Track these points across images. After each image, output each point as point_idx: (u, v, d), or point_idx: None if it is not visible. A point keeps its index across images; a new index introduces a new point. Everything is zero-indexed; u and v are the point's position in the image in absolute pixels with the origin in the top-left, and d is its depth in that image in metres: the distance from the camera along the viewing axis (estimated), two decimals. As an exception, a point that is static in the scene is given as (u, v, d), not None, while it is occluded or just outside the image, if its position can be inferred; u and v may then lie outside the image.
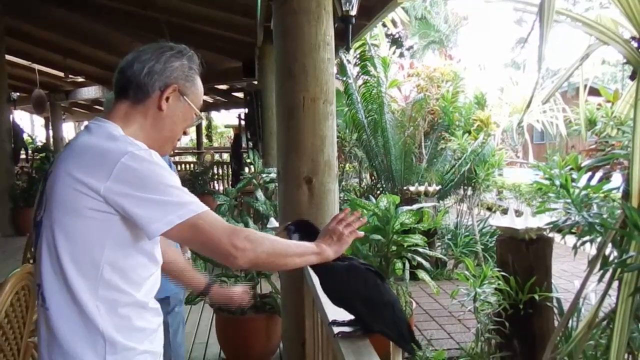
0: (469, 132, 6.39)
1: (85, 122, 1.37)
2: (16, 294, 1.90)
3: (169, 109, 1.31)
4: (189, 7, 6.54)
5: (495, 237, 4.72)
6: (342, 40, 4.37)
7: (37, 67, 11.48)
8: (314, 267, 1.56)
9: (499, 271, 3.20)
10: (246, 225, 4.04)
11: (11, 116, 8.45)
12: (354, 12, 2.86)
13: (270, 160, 5.96)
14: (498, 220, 3.65)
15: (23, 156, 9.32)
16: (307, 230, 1.56)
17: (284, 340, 2.69)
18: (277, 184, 2.69)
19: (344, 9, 2.84)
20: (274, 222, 3.69)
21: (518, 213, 3.97)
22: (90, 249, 1.17)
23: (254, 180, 4.74)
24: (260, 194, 4.59)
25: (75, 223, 1.16)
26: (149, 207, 1.14)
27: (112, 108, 1.32)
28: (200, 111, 1.41)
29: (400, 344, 1.49)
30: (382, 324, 1.46)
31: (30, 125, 20.68)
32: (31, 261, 1.47)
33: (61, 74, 11.94)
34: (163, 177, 1.17)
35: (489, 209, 8.30)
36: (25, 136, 10.13)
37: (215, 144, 22.12)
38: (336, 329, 1.53)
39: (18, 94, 11.39)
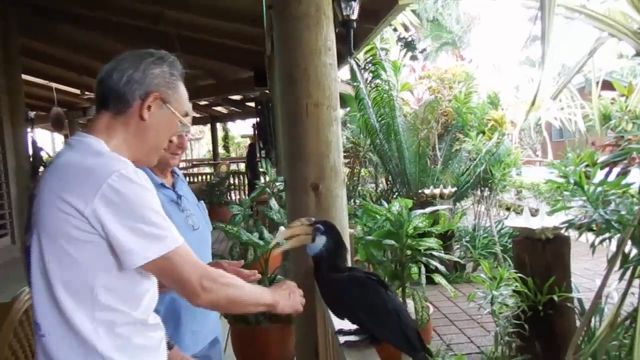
0: (483, 133, 6.31)
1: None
2: (25, 312, 1.91)
3: (152, 118, 1.27)
4: (199, 19, 6.60)
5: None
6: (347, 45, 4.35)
7: (54, 85, 11.71)
8: (317, 280, 1.54)
9: (515, 272, 3.13)
10: (261, 234, 4.04)
11: (30, 135, 8.59)
12: (354, 17, 2.84)
13: (283, 169, 5.95)
14: (513, 221, 3.58)
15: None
16: (334, 235, 1.53)
17: (297, 349, 2.65)
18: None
19: (344, 13, 2.82)
20: (282, 231, 3.67)
21: (535, 212, 3.89)
22: (82, 273, 1.14)
23: (267, 189, 4.73)
24: (274, 203, 4.57)
25: (64, 247, 1.13)
26: (129, 236, 1.12)
27: (93, 120, 1.29)
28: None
29: (410, 352, 1.45)
30: (387, 333, 1.42)
31: (52, 143, 21.07)
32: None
33: (77, 91, 12.16)
34: (147, 202, 1.15)
35: (508, 209, 8.17)
36: (44, 154, 10.31)
37: (233, 154, 22.27)
38: (342, 338, 1.50)
39: (35, 112, 11.60)
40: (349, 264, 2.62)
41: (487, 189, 6.20)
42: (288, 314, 1.43)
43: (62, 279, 1.14)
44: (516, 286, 3.04)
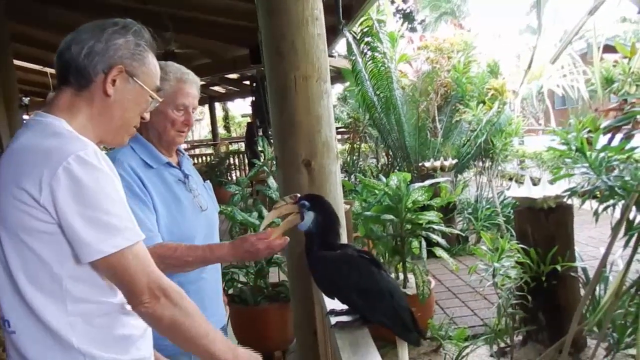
0: (484, 102, 6.20)
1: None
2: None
3: (117, 93, 1.16)
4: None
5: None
6: (344, 16, 4.23)
7: (49, 70, 11.57)
8: (307, 258, 1.48)
9: (517, 243, 3.07)
10: (260, 214, 3.97)
11: (25, 121, 8.51)
12: (342, -16, 2.73)
13: (274, 146, 5.86)
14: (515, 191, 3.51)
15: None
16: (323, 209, 1.46)
17: (296, 329, 2.62)
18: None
19: (331, -19, 2.71)
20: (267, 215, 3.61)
21: (538, 181, 3.81)
22: (47, 266, 1.05)
23: (265, 168, 4.65)
24: (272, 181, 4.49)
25: (24, 240, 1.04)
26: (84, 226, 1.02)
27: (53, 97, 1.18)
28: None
29: (402, 333, 1.39)
30: (380, 314, 1.36)
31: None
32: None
33: (73, 76, 12.01)
34: (107, 189, 1.05)
35: (511, 179, 8.09)
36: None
37: (234, 134, 22.15)
38: (334, 319, 1.44)
39: (30, 98, 11.49)
40: (348, 240, 2.57)
41: (488, 159, 6.11)
42: None
43: (26, 274, 1.06)
44: (518, 257, 2.98)
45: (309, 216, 1.46)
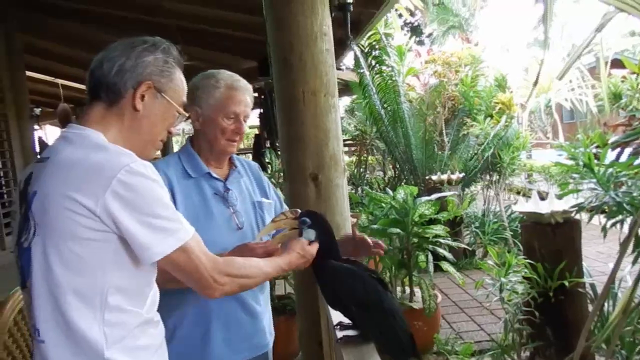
0: (491, 116, 6.20)
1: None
2: (20, 312, 1.87)
3: (146, 108, 1.21)
4: (198, 9, 6.51)
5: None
6: (352, 30, 4.26)
7: (60, 81, 11.71)
8: (313, 266, 1.48)
9: (524, 258, 3.05)
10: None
11: (37, 132, 8.61)
12: (350, 0, 2.75)
13: (281, 159, 5.89)
14: (522, 206, 3.49)
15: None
16: (322, 227, 1.48)
17: (301, 341, 2.61)
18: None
19: (340, -3, 2.74)
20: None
21: (545, 196, 3.80)
22: (92, 275, 1.09)
23: (272, 180, 4.67)
24: (279, 194, 4.51)
25: (73, 248, 1.07)
26: (144, 232, 1.08)
27: (86, 111, 1.22)
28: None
29: (400, 357, 1.38)
30: (378, 332, 1.35)
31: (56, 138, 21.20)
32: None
33: (83, 87, 12.14)
34: (157, 195, 1.11)
35: (519, 193, 8.06)
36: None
37: (241, 145, 22.26)
38: (340, 333, 1.44)
39: (41, 109, 11.62)
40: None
41: (496, 173, 6.10)
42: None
43: (70, 283, 1.09)
44: (525, 272, 2.96)
45: (308, 233, 1.46)
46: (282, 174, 4.65)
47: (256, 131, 15.69)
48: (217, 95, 1.63)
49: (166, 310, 1.29)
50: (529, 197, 6.38)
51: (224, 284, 1.19)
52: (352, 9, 2.85)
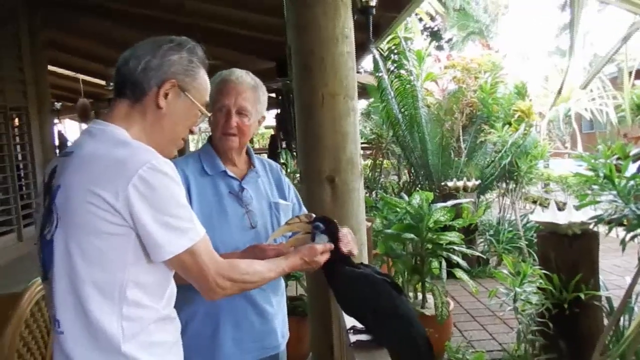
0: (510, 124, 6.15)
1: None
2: (37, 304, 1.90)
3: (169, 106, 1.22)
4: (220, 10, 6.56)
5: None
6: (374, 34, 4.25)
7: (80, 76, 11.86)
8: (325, 272, 1.48)
9: (540, 269, 3.02)
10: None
11: (57, 125, 8.73)
12: (373, 3, 2.74)
13: (298, 160, 5.90)
14: (539, 215, 3.46)
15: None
16: (335, 233, 1.48)
17: (312, 344, 2.61)
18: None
19: (363, 0, 2.73)
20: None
21: (563, 206, 3.75)
22: (112, 269, 1.11)
23: (287, 181, 4.69)
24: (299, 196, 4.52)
25: (94, 242, 1.09)
26: (158, 230, 1.10)
27: (111, 108, 1.25)
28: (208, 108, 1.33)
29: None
30: (394, 339, 1.34)
31: (79, 133, 21.42)
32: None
33: (103, 83, 12.31)
34: (175, 195, 1.13)
35: (535, 202, 7.97)
36: (69, 144, 10.46)
37: (257, 145, 22.30)
38: (353, 337, 1.43)
39: (61, 103, 11.78)
40: (368, 258, 2.56)
41: (512, 181, 6.04)
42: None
43: (90, 276, 1.10)
44: (540, 283, 2.94)
45: (321, 239, 1.46)
46: (296, 175, 4.66)
47: (272, 132, 15.75)
48: (212, 89, 1.62)
49: (179, 304, 1.30)
50: (546, 206, 6.32)
51: (225, 288, 1.21)
52: (374, 13, 2.84)
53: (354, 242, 1.61)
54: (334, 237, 1.46)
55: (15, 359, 1.81)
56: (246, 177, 1.72)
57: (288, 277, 3.39)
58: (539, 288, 2.97)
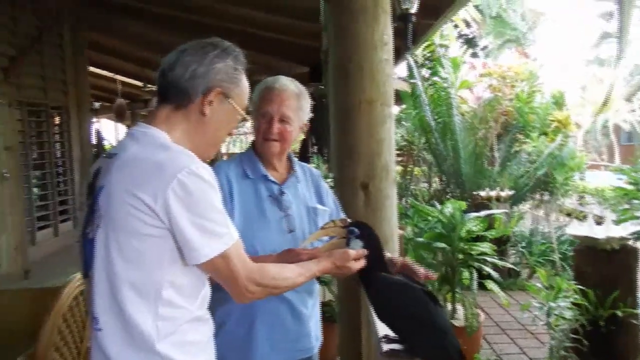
0: (546, 134, 6.03)
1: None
2: (75, 299, 1.95)
3: (213, 113, 1.24)
4: (255, 14, 6.63)
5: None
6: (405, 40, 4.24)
7: (118, 77, 12.14)
8: (361, 278, 1.48)
9: (575, 284, 2.95)
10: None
11: (95, 125, 8.96)
12: (413, 10, 2.73)
13: (332, 166, 5.91)
14: (576, 229, 3.37)
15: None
16: (370, 239, 1.47)
17: (341, 350, 2.60)
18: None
19: (402, 7, 2.71)
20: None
21: (600, 220, 3.66)
22: (149, 269, 1.13)
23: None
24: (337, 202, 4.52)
25: (133, 243, 1.12)
26: (194, 233, 1.12)
27: (154, 111, 1.27)
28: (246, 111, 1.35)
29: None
30: (429, 349, 1.33)
31: (114, 132, 21.91)
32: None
33: (139, 84, 12.58)
34: (212, 199, 1.15)
35: (569, 214, 7.79)
36: (106, 143, 10.74)
37: (286, 149, 22.42)
38: (386, 346, 1.42)
39: (100, 103, 12.08)
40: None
41: (547, 193, 5.92)
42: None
43: (127, 276, 1.13)
44: (575, 298, 2.87)
45: (356, 244, 1.46)
46: (327, 180, 4.67)
47: (302, 136, 15.84)
48: (257, 95, 1.68)
49: (215, 304, 1.32)
50: (580, 219, 6.16)
51: (254, 292, 1.22)
52: (413, 20, 2.83)
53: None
54: (370, 241, 1.46)
55: (53, 351, 1.86)
56: (286, 181, 1.74)
57: (317, 282, 3.39)
58: (573, 303, 2.90)
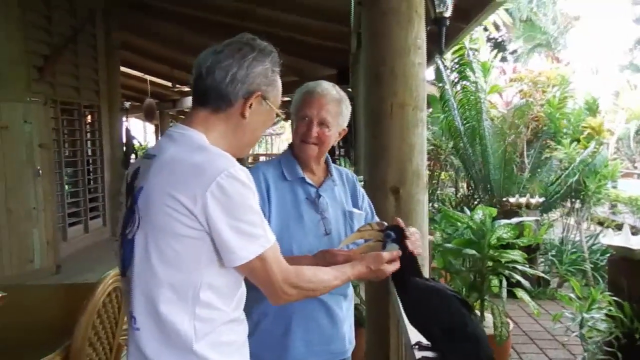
0: (578, 141, 5.90)
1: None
2: (108, 295, 1.98)
3: (251, 115, 1.25)
4: (285, 16, 6.67)
5: (607, 255, 4.26)
6: (436, 44, 4.21)
7: (148, 77, 12.34)
8: (395, 282, 1.47)
9: (610, 295, 2.87)
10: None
11: (125, 124, 9.11)
12: (448, 14, 2.70)
13: (361, 168, 5.89)
14: (610, 238, 3.29)
15: (133, 161, 10.05)
16: (405, 243, 1.46)
17: (368, 354, 2.58)
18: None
19: (437, 10, 2.69)
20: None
21: (634, 230, 3.56)
22: (187, 270, 1.14)
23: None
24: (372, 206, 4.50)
25: (171, 244, 1.13)
26: (232, 236, 1.12)
27: (191, 113, 1.27)
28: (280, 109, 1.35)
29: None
30: (460, 356, 1.31)
31: (143, 132, 22.29)
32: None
33: (169, 84, 12.77)
34: (249, 202, 1.15)
35: (600, 223, 7.60)
36: (135, 142, 10.90)
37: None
38: (418, 354, 1.41)
39: (130, 102, 12.28)
40: (428, 272, 2.51)
41: (578, 201, 5.79)
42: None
43: (166, 277, 1.14)
44: (610, 310, 2.79)
45: (392, 248, 1.45)
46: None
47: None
48: (298, 98, 1.70)
49: (251, 303, 1.33)
50: (612, 228, 6.01)
51: (290, 294, 1.23)
52: (448, 24, 2.80)
53: (421, 242, 1.60)
54: (406, 246, 1.44)
55: (87, 346, 1.89)
56: (323, 184, 1.75)
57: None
58: (607, 315, 2.83)
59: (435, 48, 3.23)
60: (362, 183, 2.46)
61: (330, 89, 1.71)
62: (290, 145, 1.78)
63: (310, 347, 1.67)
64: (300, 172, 1.71)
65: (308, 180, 1.72)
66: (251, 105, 1.24)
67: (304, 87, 1.73)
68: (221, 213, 1.11)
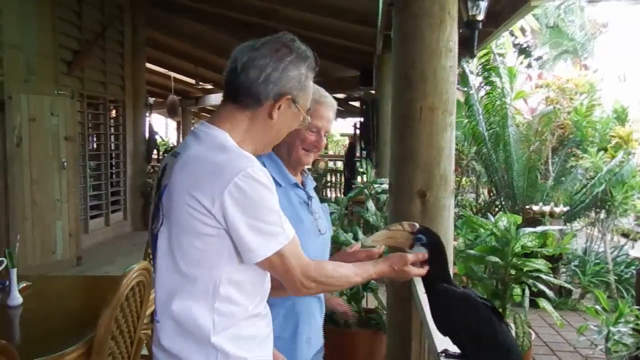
0: (605, 150, 5.79)
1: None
2: (132, 289, 1.99)
3: (279, 116, 1.24)
4: (309, 16, 6.67)
5: (633, 268, 4.18)
6: (466, 48, 4.16)
7: (172, 74, 12.46)
8: (426, 287, 1.44)
9: (637, 309, 2.80)
10: (355, 235, 3.96)
11: (147, 119, 9.20)
12: (481, 17, 2.66)
13: (383, 171, 5.86)
14: (638, 251, 3.21)
15: (155, 156, 10.14)
16: (436, 248, 1.42)
17: (388, 358, 2.55)
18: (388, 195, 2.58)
19: (470, 13, 2.65)
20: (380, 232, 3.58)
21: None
22: (208, 267, 1.16)
23: (365, 190, 4.65)
24: (371, 205, 4.47)
25: (192, 242, 1.14)
26: (250, 235, 1.13)
27: (218, 108, 1.27)
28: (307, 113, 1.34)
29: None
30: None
31: (165, 128, 22.49)
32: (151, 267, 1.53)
33: (192, 81, 12.87)
34: (268, 201, 1.16)
35: (625, 235, 7.45)
36: (157, 138, 11.01)
37: (330, 152, 22.44)
38: (445, 361, 1.38)
39: (154, 99, 12.41)
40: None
41: (603, 211, 5.67)
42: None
43: (187, 272, 1.16)
44: (637, 324, 2.72)
45: (419, 250, 1.42)
46: (374, 185, 4.61)
47: (347, 139, 15.78)
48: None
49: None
50: (637, 240, 5.87)
51: (310, 288, 1.24)
52: (480, 27, 2.76)
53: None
54: (436, 250, 1.41)
55: (109, 340, 1.90)
56: (306, 185, 1.76)
57: (363, 288, 3.36)
58: (634, 329, 2.76)
59: (465, 51, 3.19)
60: (387, 186, 2.43)
61: (332, 99, 1.72)
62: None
63: (311, 343, 1.70)
64: (292, 178, 1.70)
65: (299, 184, 1.73)
66: (280, 107, 1.23)
67: (313, 94, 1.69)
68: (239, 213, 1.12)
